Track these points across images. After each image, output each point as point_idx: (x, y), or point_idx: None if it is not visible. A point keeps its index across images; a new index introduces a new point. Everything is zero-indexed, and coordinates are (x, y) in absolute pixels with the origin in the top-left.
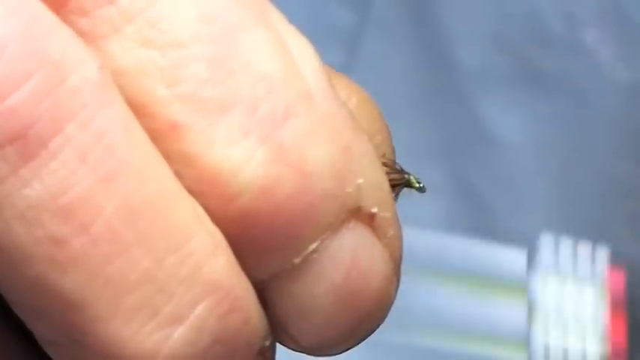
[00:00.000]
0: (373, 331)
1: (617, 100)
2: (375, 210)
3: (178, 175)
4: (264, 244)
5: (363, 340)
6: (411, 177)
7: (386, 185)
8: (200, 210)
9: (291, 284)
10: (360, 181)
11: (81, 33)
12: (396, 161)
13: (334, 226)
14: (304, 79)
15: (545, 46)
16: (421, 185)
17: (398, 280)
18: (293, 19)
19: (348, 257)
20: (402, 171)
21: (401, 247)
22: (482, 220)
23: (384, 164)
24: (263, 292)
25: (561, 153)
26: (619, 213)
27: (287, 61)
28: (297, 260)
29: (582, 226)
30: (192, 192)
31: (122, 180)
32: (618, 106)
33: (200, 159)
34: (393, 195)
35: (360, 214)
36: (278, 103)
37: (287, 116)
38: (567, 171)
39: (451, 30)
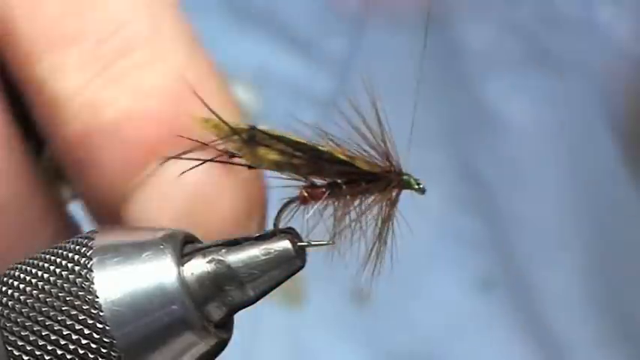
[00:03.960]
0: None
1: (635, 77)
2: (223, 147)
3: (33, 102)
4: (103, 162)
5: None
6: (411, 178)
7: (240, 128)
8: None
9: (138, 203)
10: (204, 115)
11: None
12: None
13: (173, 152)
14: (155, 19)
15: (556, 27)
16: (421, 186)
17: (258, 224)
18: (300, 7)
19: (190, 184)
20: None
21: (261, 192)
22: (486, 204)
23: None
24: None
25: (573, 136)
26: (635, 197)
27: (141, 5)
28: (136, 180)
29: (597, 211)
30: (41, 116)
31: None
32: (635, 84)
33: (46, 85)
34: (393, 196)
35: (207, 152)
36: (123, 38)
37: (130, 50)
38: (580, 154)
39: (457, 12)
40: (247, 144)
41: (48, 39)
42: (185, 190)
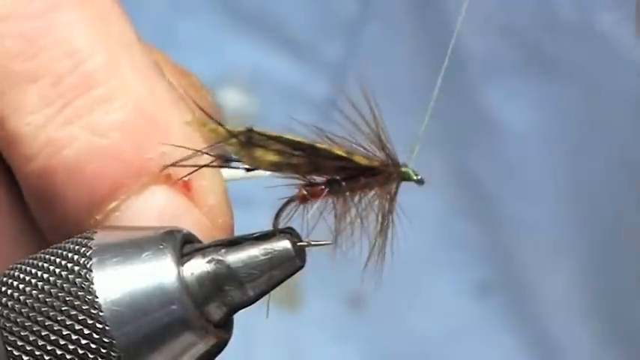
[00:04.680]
0: None
1: (635, 82)
2: (186, 178)
3: None
4: (66, 199)
5: None
6: (410, 170)
7: (203, 157)
8: None
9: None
10: (164, 150)
11: None
12: (387, 148)
13: (134, 189)
14: (114, 54)
15: (555, 32)
16: (419, 177)
17: None
18: (296, 9)
19: (153, 219)
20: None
21: (227, 216)
22: (484, 208)
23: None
24: None
25: (572, 141)
26: (635, 201)
27: (99, 38)
28: (99, 217)
29: (595, 215)
30: (3, 151)
31: None
32: (635, 90)
33: (7, 122)
34: (392, 189)
35: (171, 181)
36: (81, 75)
37: (89, 87)
38: (578, 159)
39: (455, 17)
40: (245, 146)
41: (6, 77)
42: (149, 219)
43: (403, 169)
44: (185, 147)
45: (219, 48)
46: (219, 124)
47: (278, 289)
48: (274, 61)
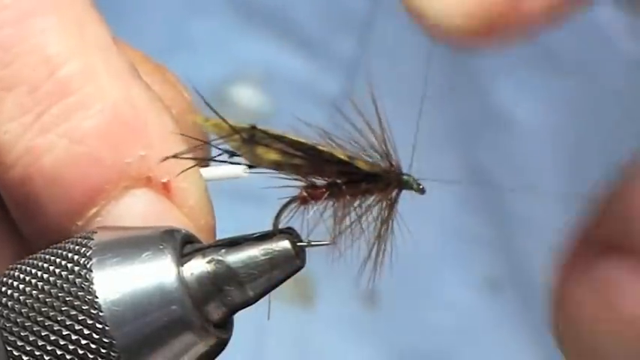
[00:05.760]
0: None
1: (634, 77)
2: (165, 180)
3: None
4: (46, 206)
5: None
6: (411, 178)
7: (184, 160)
8: None
9: None
10: (143, 153)
11: None
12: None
13: (114, 194)
14: (89, 59)
15: (560, 28)
16: (420, 186)
17: None
18: (307, 6)
19: (135, 222)
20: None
21: (208, 216)
22: (495, 204)
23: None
24: None
25: (577, 135)
26: None
27: (74, 44)
28: (80, 222)
29: None
30: None
31: None
32: (635, 85)
33: None
34: (393, 196)
35: (151, 184)
36: (57, 82)
37: (65, 94)
38: (583, 154)
39: None
40: (247, 143)
41: None
42: (131, 223)
43: (404, 178)
44: (186, 143)
45: (231, 46)
46: (223, 119)
47: (292, 286)
48: (286, 58)
